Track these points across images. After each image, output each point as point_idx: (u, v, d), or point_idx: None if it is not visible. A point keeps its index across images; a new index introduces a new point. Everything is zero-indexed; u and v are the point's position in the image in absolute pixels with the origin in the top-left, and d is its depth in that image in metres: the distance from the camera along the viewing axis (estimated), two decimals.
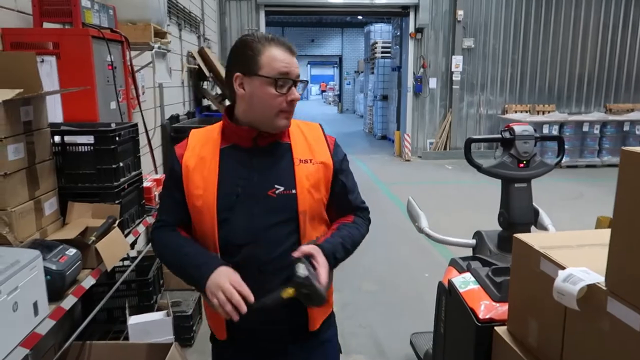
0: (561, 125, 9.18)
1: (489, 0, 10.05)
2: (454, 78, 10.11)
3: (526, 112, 10.32)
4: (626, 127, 9.40)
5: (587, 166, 9.25)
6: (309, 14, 12.39)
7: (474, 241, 2.21)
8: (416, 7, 9.77)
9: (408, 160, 10.02)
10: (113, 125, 2.16)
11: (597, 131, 9.31)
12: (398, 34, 11.38)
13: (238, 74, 1.34)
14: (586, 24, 10.24)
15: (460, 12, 9.83)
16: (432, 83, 10.23)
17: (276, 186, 1.35)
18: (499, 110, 10.50)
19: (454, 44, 10.03)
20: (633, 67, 10.51)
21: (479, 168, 2.06)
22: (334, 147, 1.47)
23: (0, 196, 1.55)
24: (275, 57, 1.31)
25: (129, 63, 2.67)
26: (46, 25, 2.24)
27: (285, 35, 21.90)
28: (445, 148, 10.37)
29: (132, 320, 2.36)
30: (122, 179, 2.03)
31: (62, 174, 1.93)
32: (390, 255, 4.74)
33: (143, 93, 4.14)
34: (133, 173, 2.18)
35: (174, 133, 4.94)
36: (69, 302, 1.52)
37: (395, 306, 3.78)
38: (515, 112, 10.29)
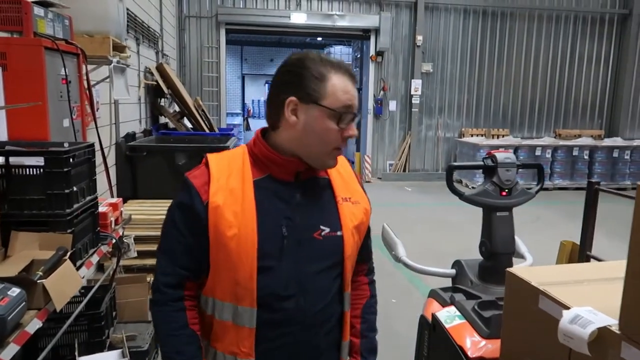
0: (515, 149, 9.45)
1: (446, 26, 10.34)
2: (413, 101, 10.28)
3: (482, 135, 10.59)
4: (575, 152, 9.78)
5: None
6: (271, 34, 12.35)
7: (453, 271, 2.13)
8: (377, 31, 9.90)
9: (368, 182, 10.03)
10: (66, 145, 1.96)
11: (549, 155, 9.65)
12: (358, 56, 11.50)
13: (293, 98, 1.15)
14: (537, 53, 10.70)
15: (419, 37, 10.05)
16: (392, 106, 10.36)
17: (322, 227, 1.21)
18: (456, 134, 10.74)
19: (413, 67, 10.22)
20: (580, 94, 11.05)
21: (461, 196, 1.98)
22: (361, 183, 1.36)
23: None
24: (342, 87, 1.15)
25: (84, 77, 2.46)
26: None
27: (244, 54, 21.84)
28: (404, 170, 10.47)
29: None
30: (76, 205, 1.82)
31: (5, 199, 1.71)
32: None
33: (98, 109, 3.90)
34: (88, 198, 1.97)
35: (130, 152, 4.69)
36: (10, 351, 1.31)
37: None
38: (472, 135, 10.54)
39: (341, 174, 1.31)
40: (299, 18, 9.60)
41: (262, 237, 1.15)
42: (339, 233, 1.22)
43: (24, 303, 1.39)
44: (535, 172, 2.20)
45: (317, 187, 1.26)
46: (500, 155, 1.96)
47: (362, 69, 10.99)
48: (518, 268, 1.44)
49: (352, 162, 11.78)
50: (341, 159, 1.32)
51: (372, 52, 10.15)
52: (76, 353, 2.21)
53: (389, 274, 4.80)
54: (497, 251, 1.94)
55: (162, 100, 6.63)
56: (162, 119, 6.77)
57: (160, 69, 6.29)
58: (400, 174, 10.41)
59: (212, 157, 1.24)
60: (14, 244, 1.71)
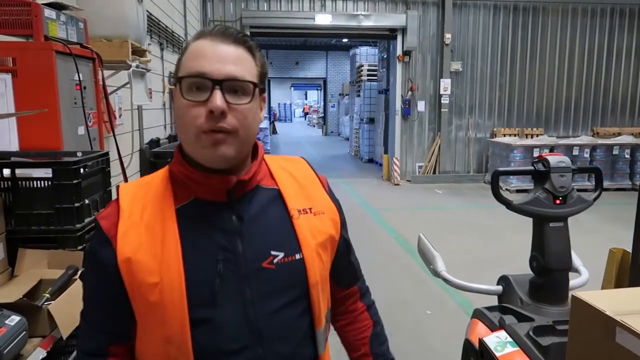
0: (551, 149, 9.06)
1: (476, 23, 10.02)
2: (442, 101, 9.98)
3: (515, 135, 10.21)
4: (615, 151, 9.32)
5: (578, 190, 9.11)
6: (295, 36, 12.25)
7: (500, 288, 1.92)
8: (404, 30, 9.66)
9: (397, 185, 9.78)
10: (79, 155, 1.84)
11: (587, 155, 9.22)
12: (385, 56, 11.27)
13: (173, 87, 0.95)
14: (572, 48, 10.27)
15: (447, 36, 9.76)
16: (421, 106, 10.09)
17: (273, 253, 0.93)
18: (488, 134, 10.38)
19: (442, 67, 9.93)
20: (618, 90, 10.54)
21: (509, 205, 1.77)
22: (328, 188, 1.09)
23: None
24: (194, 53, 0.88)
25: (101, 83, 2.35)
26: (1, 38, 1.92)
27: (269, 57, 21.85)
28: (434, 172, 10.18)
29: None
30: (87, 220, 1.69)
31: (12, 214, 1.59)
32: (387, 291, 4.41)
33: (120, 116, 3.82)
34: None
35: (154, 158, 4.61)
36: None
37: (397, 351, 3.44)
38: (504, 135, 10.18)
39: (296, 179, 1.03)
40: (323, 19, 9.45)
41: (192, 281, 0.88)
42: (297, 256, 0.95)
43: (24, 332, 1.25)
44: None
45: (260, 201, 0.97)
46: (553, 159, 1.74)
47: (389, 70, 10.76)
48: (586, 293, 1.23)
49: (379, 164, 11.56)
50: (297, 160, 1.09)
51: (399, 52, 9.91)
52: None
53: (420, 281, 4.59)
54: (551, 267, 1.72)
55: None
56: None
57: None
58: (430, 176, 10.12)
59: (124, 187, 0.97)
60: (22, 263, 1.59)
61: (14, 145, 1.88)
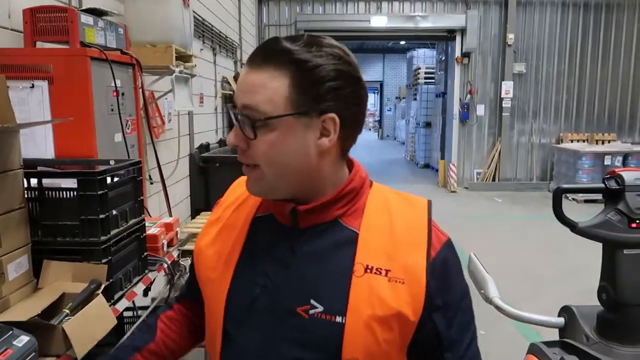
0: (625, 156, 8.39)
1: (541, 22, 9.48)
2: (503, 105, 9.52)
3: (584, 141, 9.55)
4: None
5: None
6: (351, 39, 12.11)
7: (561, 320, 1.69)
8: (463, 31, 9.30)
9: (454, 192, 9.41)
10: (112, 163, 1.79)
11: None
12: (443, 58, 10.92)
13: None
14: None
15: (510, 36, 9.29)
16: (480, 110, 9.67)
17: (312, 302, 0.80)
18: (553, 139, 9.79)
19: (503, 69, 9.47)
20: None
21: (573, 227, 1.55)
22: (438, 253, 0.83)
23: None
24: None
25: (141, 88, 2.32)
26: (40, 45, 1.92)
27: None
28: (494, 179, 9.71)
29: None
30: (114, 231, 1.63)
31: (39, 225, 1.55)
32: None
33: (169, 121, 3.85)
34: (132, 221, 1.79)
35: (203, 163, 4.62)
36: None
37: None
38: (572, 141, 9.55)
39: (392, 229, 0.83)
40: (379, 21, 9.26)
41: (233, 293, 0.86)
42: (338, 319, 0.79)
43: (33, 354, 1.19)
44: None
45: (328, 240, 0.83)
46: (629, 176, 1.50)
47: (447, 72, 10.40)
48: None
49: (435, 170, 11.20)
50: (416, 203, 0.88)
51: (457, 53, 9.55)
52: None
53: (475, 296, 4.29)
54: (625, 301, 1.48)
55: None
56: None
57: (237, 78, 6.26)
58: (489, 183, 9.66)
59: (239, 181, 1.00)
60: (46, 275, 1.55)
61: (49, 153, 1.87)
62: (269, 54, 0.78)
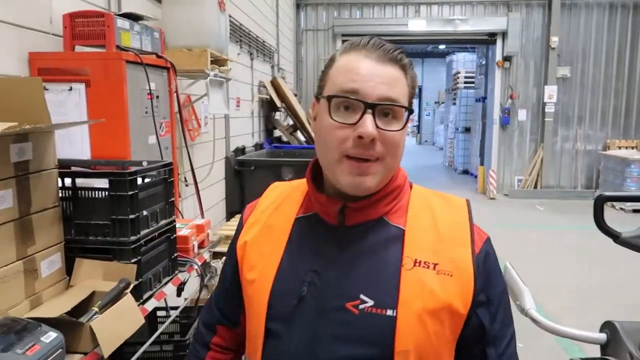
0: None
1: (587, 25, 9.13)
2: (546, 110, 9.21)
3: (632, 148, 9.12)
4: None
5: None
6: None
7: (603, 336, 1.59)
8: (504, 34, 9.07)
9: (493, 199, 9.16)
10: (145, 164, 1.82)
11: None
12: (483, 62, 10.68)
13: (314, 100, 0.89)
14: None
15: (554, 39, 8.98)
16: (522, 115, 9.39)
17: (362, 297, 0.81)
18: (600, 146, 9.39)
19: (546, 72, 9.17)
20: None
21: (616, 237, 1.46)
22: (481, 250, 0.86)
23: None
24: (343, 66, 0.82)
25: (175, 91, 2.35)
26: (78, 48, 1.97)
27: None
28: (535, 186, 9.40)
29: None
30: (143, 231, 1.66)
31: (72, 223, 1.59)
32: None
33: (206, 124, 3.90)
34: (162, 222, 1.81)
35: (238, 166, 4.68)
36: None
37: None
38: (619, 148, 9.13)
39: (436, 225, 0.86)
40: (417, 25, 9.15)
41: (277, 291, 0.87)
42: (389, 312, 0.79)
43: (60, 350, 1.21)
44: None
45: (376, 237, 0.85)
46: None
47: (487, 76, 10.16)
48: None
49: (474, 176, 10.95)
50: (456, 203, 0.91)
51: (498, 57, 9.32)
52: None
53: (513, 306, 4.15)
54: None
55: (277, 113, 6.65)
56: (277, 133, 6.80)
57: (274, 83, 6.31)
58: (531, 190, 9.36)
59: (273, 185, 1.04)
60: (78, 273, 1.58)
61: (85, 154, 1.92)
62: (393, 51, 0.82)
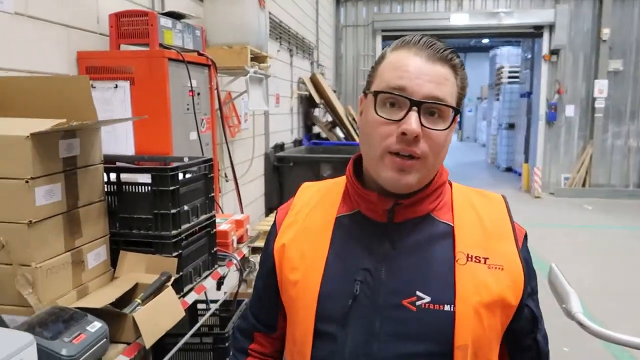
0: None
1: None
2: (596, 105, 8.82)
3: None
4: None
5: None
6: None
7: None
8: (551, 27, 8.74)
9: (538, 197, 8.87)
10: (186, 160, 1.86)
11: None
12: (529, 56, 10.34)
13: (362, 95, 0.89)
14: None
15: (605, 31, 8.59)
16: (569, 110, 9.03)
17: (418, 294, 0.82)
18: None
19: (597, 66, 8.78)
20: None
21: None
22: (523, 244, 0.89)
23: (23, 249, 1.27)
24: (392, 62, 0.82)
25: (215, 88, 2.39)
26: (124, 47, 2.03)
27: None
28: (584, 184, 9.04)
29: None
30: (184, 226, 1.69)
31: (116, 217, 1.64)
32: None
33: (246, 121, 3.95)
34: (202, 217, 1.84)
35: (277, 162, 4.71)
36: None
37: None
38: None
39: (481, 220, 0.88)
40: (460, 19, 8.94)
41: (326, 291, 0.85)
42: (447, 307, 0.81)
43: (104, 340, 1.25)
44: None
45: (425, 233, 0.86)
46: None
47: (532, 71, 9.84)
48: None
49: (517, 174, 10.63)
50: (494, 199, 0.93)
51: (544, 51, 8.99)
52: None
53: (559, 310, 4.01)
54: None
55: (316, 110, 6.66)
56: (316, 129, 6.81)
57: (313, 79, 6.33)
58: (578, 189, 9.00)
59: (304, 186, 1.04)
60: (122, 265, 1.63)
61: (130, 149, 1.98)
62: (444, 51, 0.81)
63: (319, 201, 0.96)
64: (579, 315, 1.62)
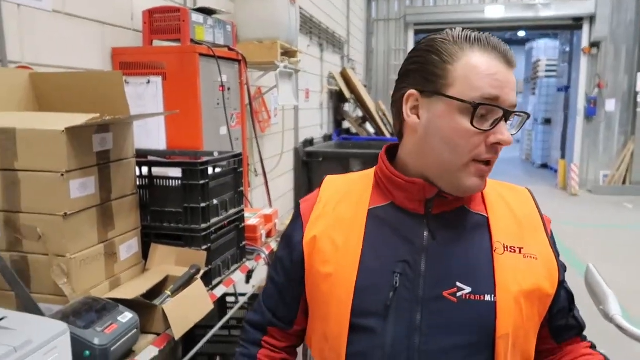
0: None
1: None
2: (639, 100, 8.46)
3: None
4: None
5: None
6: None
7: None
8: (592, 18, 8.43)
9: (575, 195, 8.60)
10: (216, 154, 1.88)
11: None
12: (567, 50, 10.02)
13: (413, 91, 0.84)
14: None
15: None
16: (610, 105, 8.70)
17: (459, 284, 0.82)
18: None
19: None
20: None
21: None
22: (551, 233, 0.92)
23: (58, 241, 1.31)
24: (482, 68, 0.79)
25: (245, 83, 2.40)
26: (156, 43, 2.06)
27: None
28: (624, 182, 8.71)
29: None
30: (214, 220, 1.71)
31: (148, 210, 1.67)
32: None
33: (275, 115, 3.96)
34: (231, 211, 1.86)
35: (307, 157, 4.72)
36: None
37: None
38: None
39: (513, 212, 0.90)
40: (495, 12, 8.73)
41: (363, 285, 0.84)
42: (488, 297, 0.81)
43: (135, 330, 1.28)
44: None
45: (462, 224, 0.87)
46: None
47: (571, 64, 9.53)
48: None
49: (553, 170, 10.33)
50: (520, 192, 0.95)
51: (584, 43, 8.68)
52: None
53: (595, 311, 3.88)
54: None
55: (346, 105, 6.63)
56: (346, 124, 6.79)
57: (343, 74, 6.30)
58: (618, 187, 8.67)
59: (329, 179, 1.01)
60: (153, 257, 1.66)
61: (162, 144, 2.01)
62: (511, 54, 0.83)
63: (347, 194, 0.94)
64: (617, 317, 1.56)
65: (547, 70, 12.08)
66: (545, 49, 12.95)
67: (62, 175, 1.28)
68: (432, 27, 9.72)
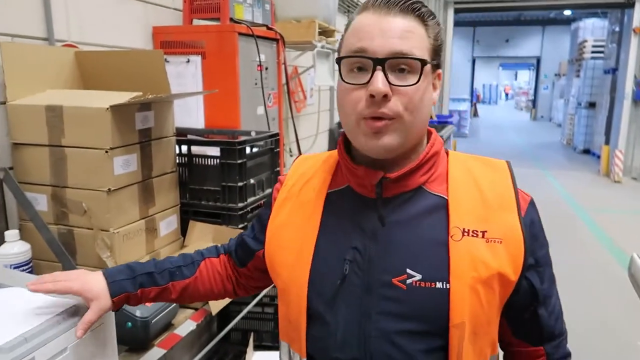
0: None
1: None
2: None
3: None
4: None
5: None
6: (506, 10, 11.17)
7: None
8: None
9: (618, 182, 8.28)
10: (253, 134, 1.89)
11: None
12: (617, 29, 9.53)
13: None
14: None
15: None
16: None
17: (409, 271, 0.78)
18: None
19: None
20: None
21: None
22: (527, 213, 0.83)
23: (102, 215, 1.36)
24: (355, 26, 0.79)
25: (283, 63, 2.39)
26: (196, 22, 2.07)
27: (476, 35, 20.58)
28: None
29: (255, 358, 2.07)
30: (250, 199, 1.73)
31: (187, 188, 1.70)
32: (588, 311, 3.73)
33: (312, 96, 3.95)
34: (267, 191, 1.87)
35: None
36: (154, 354, 1.25)
37: None
38: None
39: (481, 191, 0.82)
40: None
41: (317, 272, 0.83)
42: (440, 285, 0.77)
43: (174, 304, 1.32)
44: None
45: (417, 208, 0.81)
46: None
47: (620, 45, 9.07)
48: None
49: (596, 156, 9.95)
50: (497, 166, 0.87)
51: (636, 23, 8.23)
52: (249, 347, 2.18)
53: (634, 303, 3.75)
54: None
55: None
56: None
57: None
58: None
59: (300, 158, 0.99)
60: (191, 234, 1.70)
61: (200, 123, 2.04)
62: (406, 3, 0.77)
63: (314, 175, 0.92)
64: None
65: (593, 52, 11.55)
66: (593, 29, 12.37)
67: (107, 152, 1.32)
68: (472, 5, 9.43)
